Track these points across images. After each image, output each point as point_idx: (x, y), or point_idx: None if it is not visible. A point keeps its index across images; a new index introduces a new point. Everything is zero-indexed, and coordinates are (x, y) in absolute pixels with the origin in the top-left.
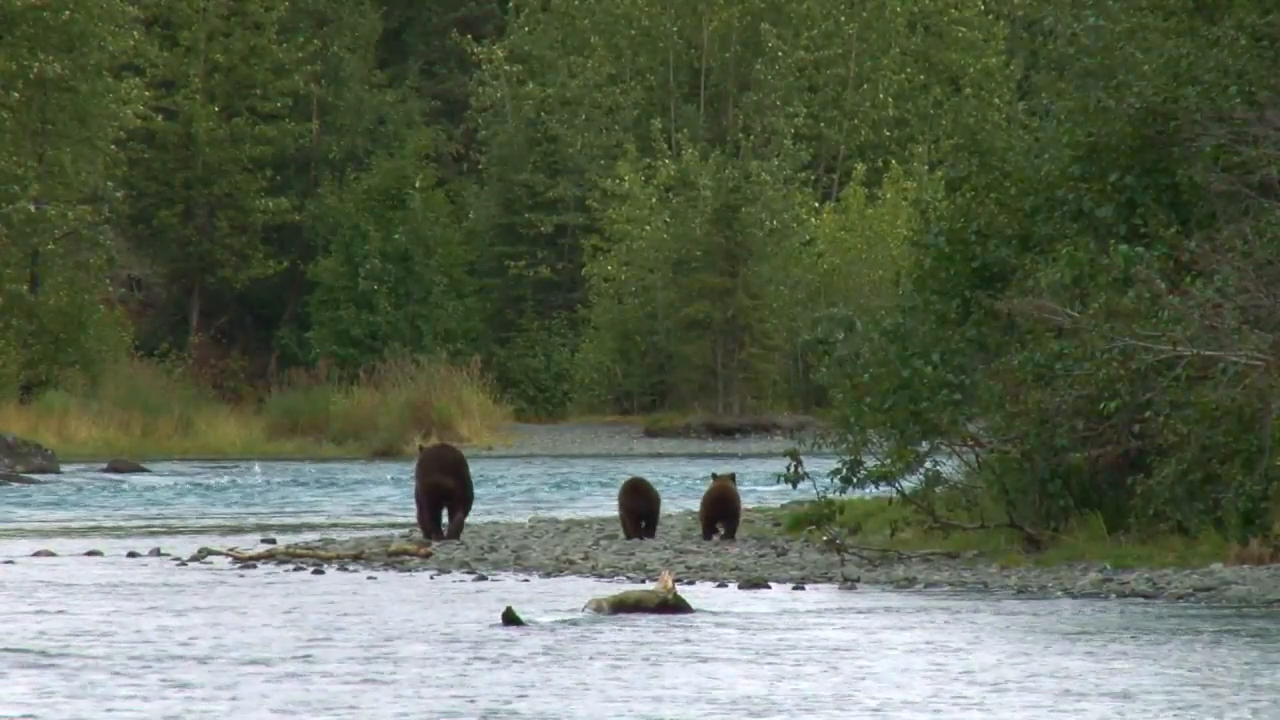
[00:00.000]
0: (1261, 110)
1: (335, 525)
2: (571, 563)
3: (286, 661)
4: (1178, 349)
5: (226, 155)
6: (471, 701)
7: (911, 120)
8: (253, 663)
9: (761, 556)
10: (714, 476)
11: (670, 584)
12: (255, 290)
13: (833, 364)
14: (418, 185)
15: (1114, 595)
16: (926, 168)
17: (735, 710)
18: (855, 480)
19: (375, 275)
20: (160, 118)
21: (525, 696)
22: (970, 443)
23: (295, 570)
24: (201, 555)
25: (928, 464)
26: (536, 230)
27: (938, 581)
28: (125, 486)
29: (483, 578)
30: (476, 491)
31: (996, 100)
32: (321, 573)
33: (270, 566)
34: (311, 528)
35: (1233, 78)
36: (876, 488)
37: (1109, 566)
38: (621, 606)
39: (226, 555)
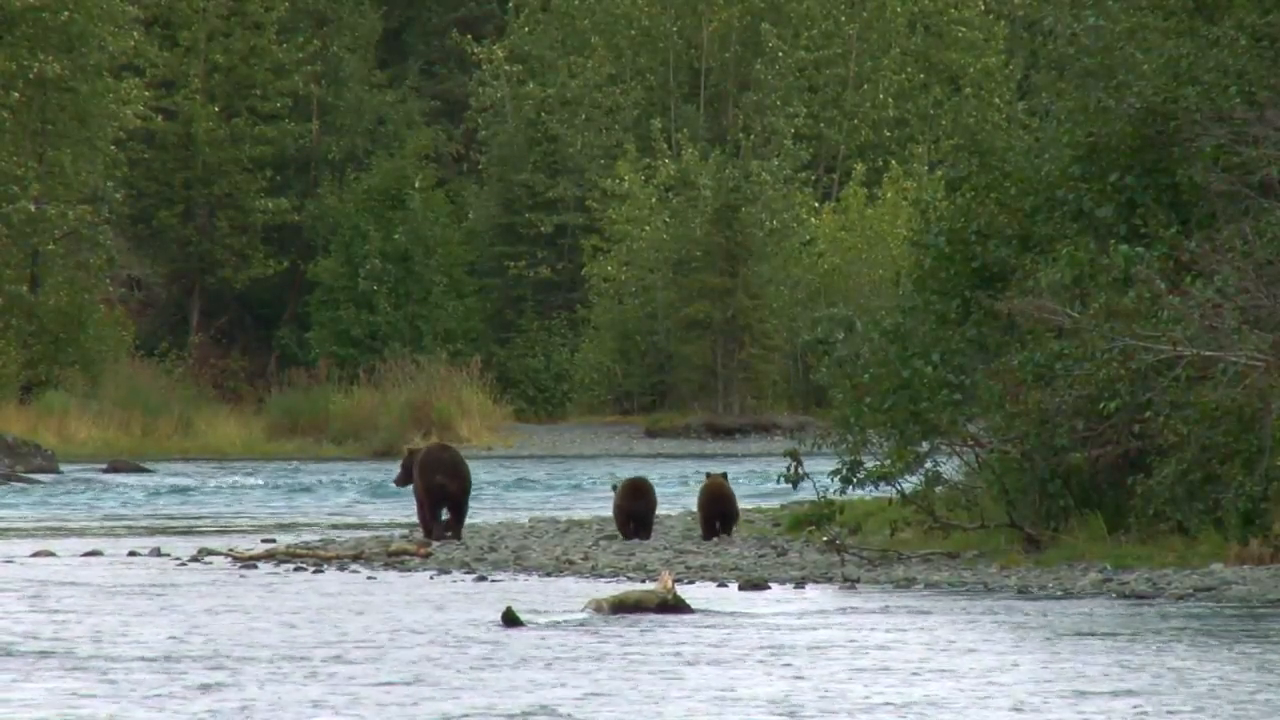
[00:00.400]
0: (1261, 110)
1: (335, 525)
2: (571, 563)
3: (286, 662)
4: (1178, 349)
5: (226, 155)
6: (471, 702)
7: (911, 120)
8: (252, 663)
9: (761, 557)
10: (707, 476)
11: (670, 584)
12: (255, 290)
13: (833, 364)
14: (418, 185)
15: (1114, 595)
16: (926, 168)
17: (735, 710)
18: (855, 480)
19: (375, 275)
20: (160, 118)
21: (525, 697)
22: (970, 443)
23: (295, 570)
24: (201, 555)
25: (928, 464)
26: (536, 230)
27: (938, 581)
28: (125, 486)
29: (483, 578)
30: (476, 491)
31: (996, 100)
32: (321, 573)
33: (270, 566)
34: (311, 528)
35: (1233, 78)
36: (876, 488)
37: (1109, 566)
38: (621, 607)
39: (226, 555)
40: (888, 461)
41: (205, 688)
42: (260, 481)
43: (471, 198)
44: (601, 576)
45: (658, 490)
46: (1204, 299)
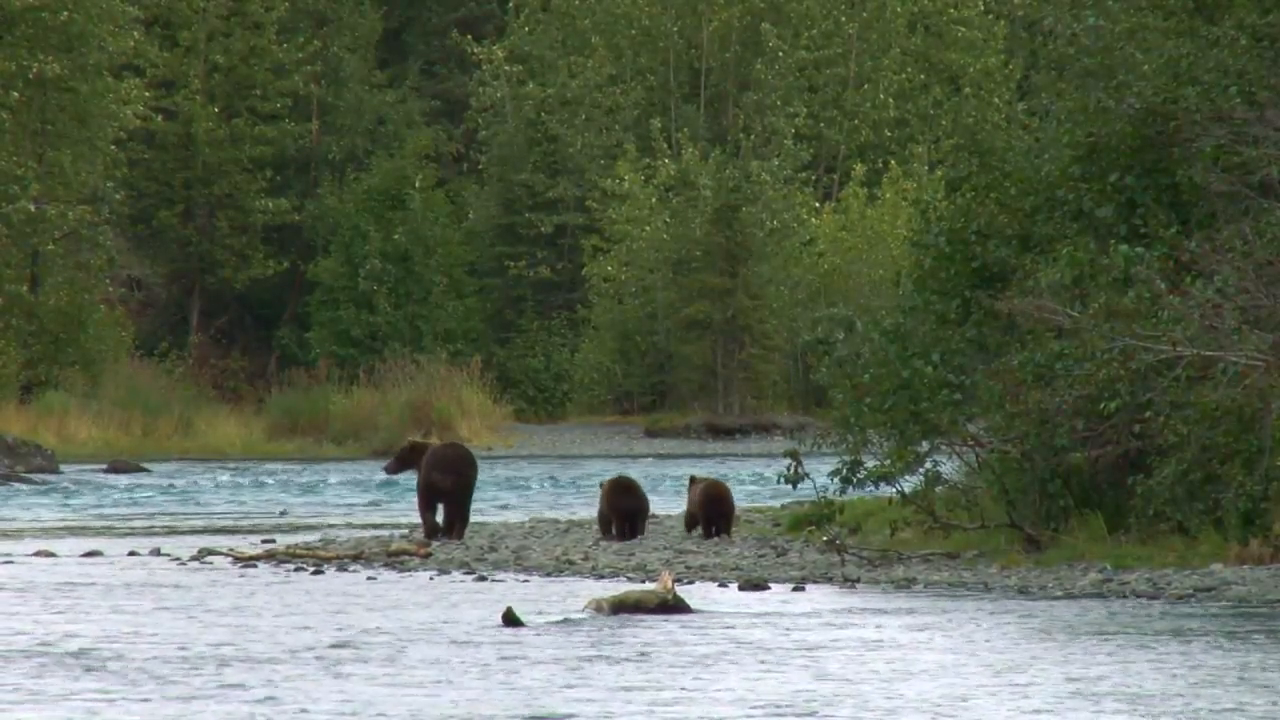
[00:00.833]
0: (1261, 110)
1: (335, 525)
2: (571, 563)
3: (285, 662)
4: (1178, 349)
5: (226, 155)
6: (471, 702)
7: (911, 120)
8: (251, 663)
9: (761, 557)
10: (692, 480)
11: (670, 584)
12: (255, 290)
13: (833, 364)
14: (418, 185)
15: (1114, 595)
16: (926, 168)
17: (735, 710)
18: (855, 480)
19: (375, 275)
20: (160, 118)
21: (525, 697)
22: (970, 443)
23: (295, 570)
24: (201, 555)
25: (928, 464)
26: (536, 230)
27: (938, 581)
28: (125, 486)
29: (483, 578)
30: (477, 492)
31: (996, 100)
32: (321, 573)
33: (270, 566)
34: (311, 528)
35: (1233, 78)
36: (876, 488)
37: (1109, 567)
38: (621, 607)
39: (226, 555)
40: (888, 461)
41: (205, 688)
42: (261, 481)
43: (471, 198)
44: (602, 577)
45: (658, 492)
46: (1204, 299)
